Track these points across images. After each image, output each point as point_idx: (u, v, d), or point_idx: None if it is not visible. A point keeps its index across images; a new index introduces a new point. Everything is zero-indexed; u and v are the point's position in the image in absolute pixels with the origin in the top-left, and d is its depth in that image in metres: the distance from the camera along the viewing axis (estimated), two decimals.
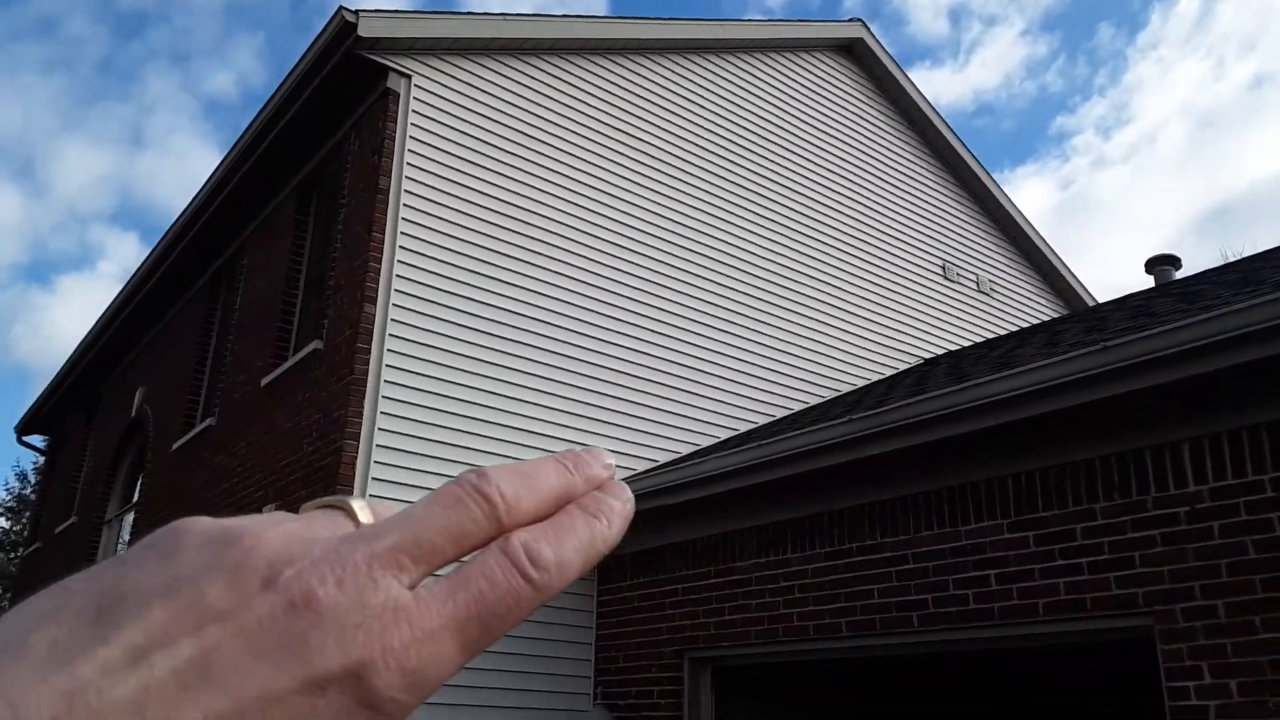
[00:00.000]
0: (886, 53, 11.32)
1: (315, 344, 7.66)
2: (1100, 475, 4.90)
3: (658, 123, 9.38)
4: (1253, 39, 49.20)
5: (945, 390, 5.43)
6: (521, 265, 7.99)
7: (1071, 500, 4.97)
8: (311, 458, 7.21)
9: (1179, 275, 10.24)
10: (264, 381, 8.41)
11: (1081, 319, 7.91)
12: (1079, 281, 13.29)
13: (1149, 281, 10.53)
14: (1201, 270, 8.60)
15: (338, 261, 7.79)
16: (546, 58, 8.74)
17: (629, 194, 8.89)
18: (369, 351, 7.05)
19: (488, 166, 8.06)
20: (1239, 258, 8.28)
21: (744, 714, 7.09)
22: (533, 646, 7.14)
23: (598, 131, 8.88)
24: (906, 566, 5.58)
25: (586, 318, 8.23)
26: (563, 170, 8.48)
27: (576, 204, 8.49)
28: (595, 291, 8.35)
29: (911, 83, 11.50)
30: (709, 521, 6.83)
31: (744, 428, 8.84)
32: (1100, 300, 12.54)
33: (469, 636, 0.30)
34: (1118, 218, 47.71)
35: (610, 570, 7.55)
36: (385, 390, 7.04)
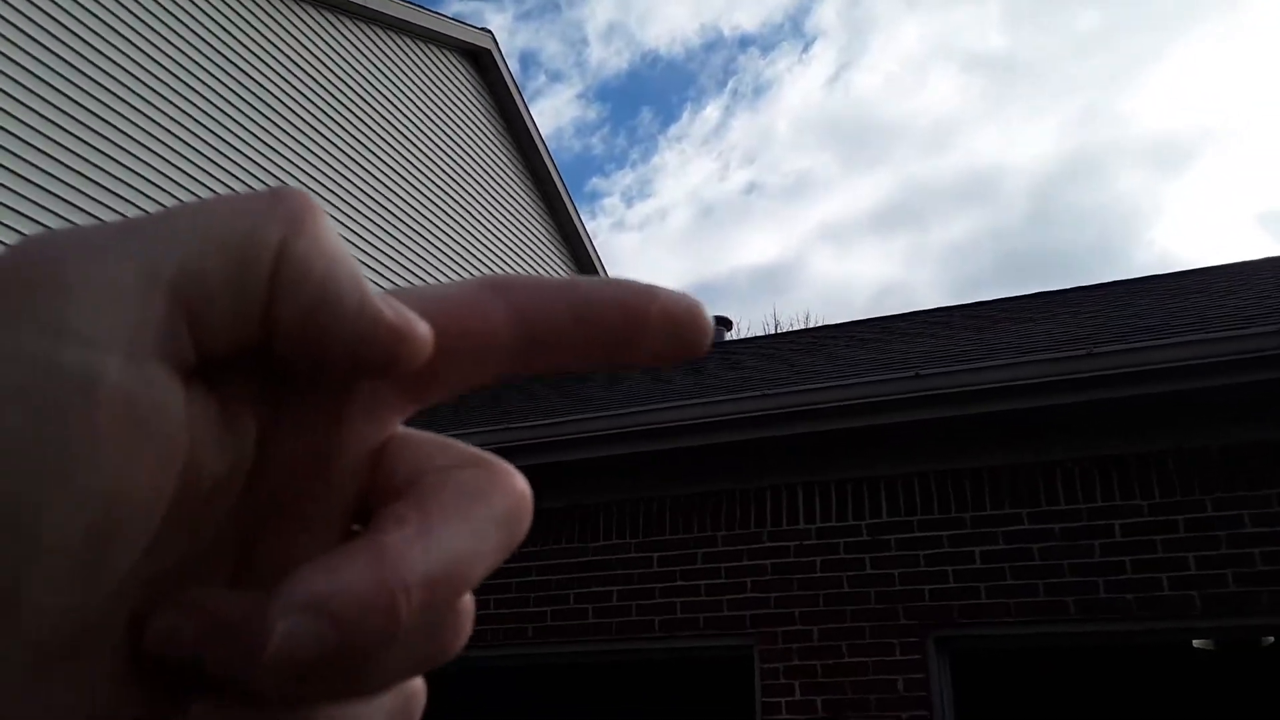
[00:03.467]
0: (509, 70, 11.47)
1: None
2: (725, 507, 5.35)
3: (259, 59, 8.42)
4: (753, 154, 58.13)
5: (581, 416, 5.57)
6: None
7: (698, 527, 5.36)
8: None
9: (730, 337, 11.62)
10: None
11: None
12: None
13: None
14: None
15: None
16: None
17: (202, 121, 7.87)
18: None
19: (59, 36, 6.68)
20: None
21: None
22: None
23: (190, 44, 7.77)
24: (529, 579, 5.57)
25: None
26: (135, 72, 7.29)
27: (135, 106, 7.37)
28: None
29: (526, 107, 11.76)
30: None
31: None
32: None
33: None
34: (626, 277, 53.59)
35: None
36: None
